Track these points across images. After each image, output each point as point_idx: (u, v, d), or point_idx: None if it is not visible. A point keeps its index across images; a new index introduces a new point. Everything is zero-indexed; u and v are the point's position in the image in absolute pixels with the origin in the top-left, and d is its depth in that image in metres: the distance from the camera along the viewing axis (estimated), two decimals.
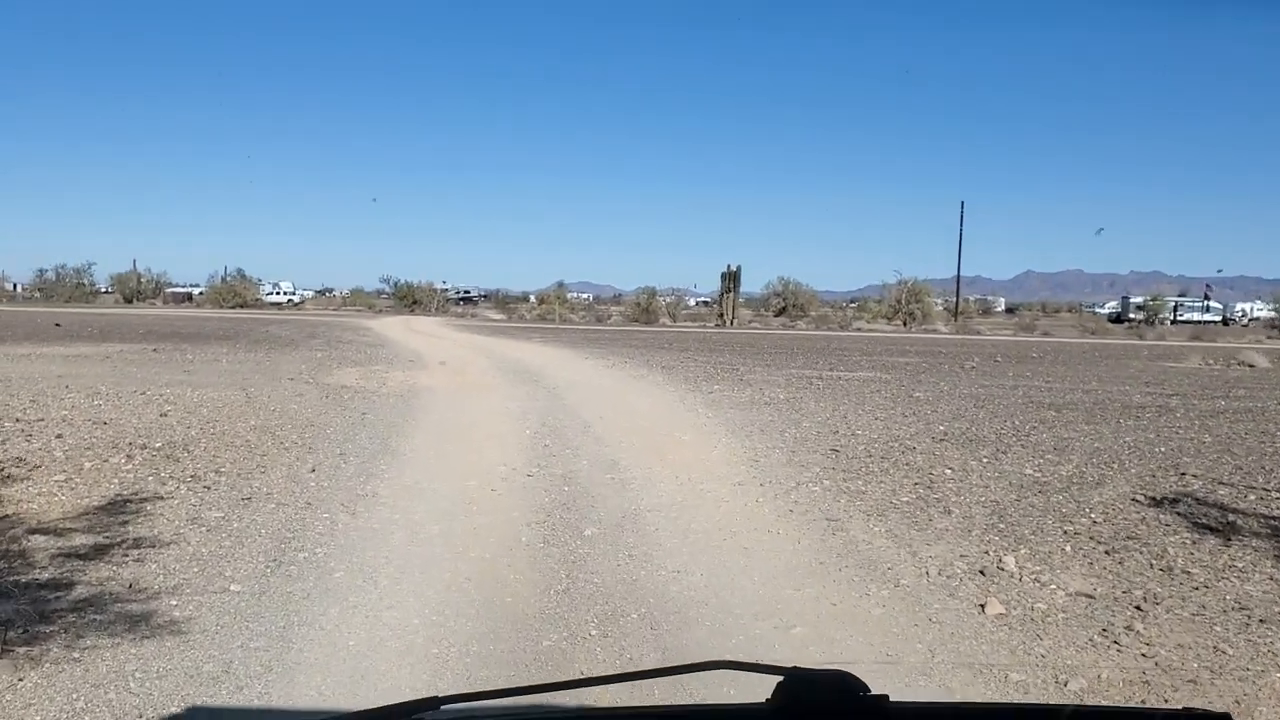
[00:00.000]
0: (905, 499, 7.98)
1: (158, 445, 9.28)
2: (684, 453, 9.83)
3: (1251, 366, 25.27)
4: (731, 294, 64.65)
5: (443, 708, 1.14)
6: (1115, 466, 9.28)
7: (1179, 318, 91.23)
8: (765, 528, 7.08)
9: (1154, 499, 7.94)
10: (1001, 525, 7.15)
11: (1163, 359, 28.70)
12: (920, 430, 11.41)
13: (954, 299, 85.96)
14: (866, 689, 1.21)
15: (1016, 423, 12.14)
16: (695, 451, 9.92)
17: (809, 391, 15.55)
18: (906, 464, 9.34)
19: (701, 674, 1.41)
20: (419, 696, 1.15)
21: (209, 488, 7.75)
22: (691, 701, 2.09)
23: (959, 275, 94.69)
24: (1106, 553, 6.49)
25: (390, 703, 1.19)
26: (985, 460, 9.52)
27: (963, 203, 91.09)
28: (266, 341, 27.30)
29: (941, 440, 10.67)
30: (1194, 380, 19.67)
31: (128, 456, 8.72)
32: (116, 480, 7.87)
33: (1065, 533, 6.96)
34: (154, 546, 6.19)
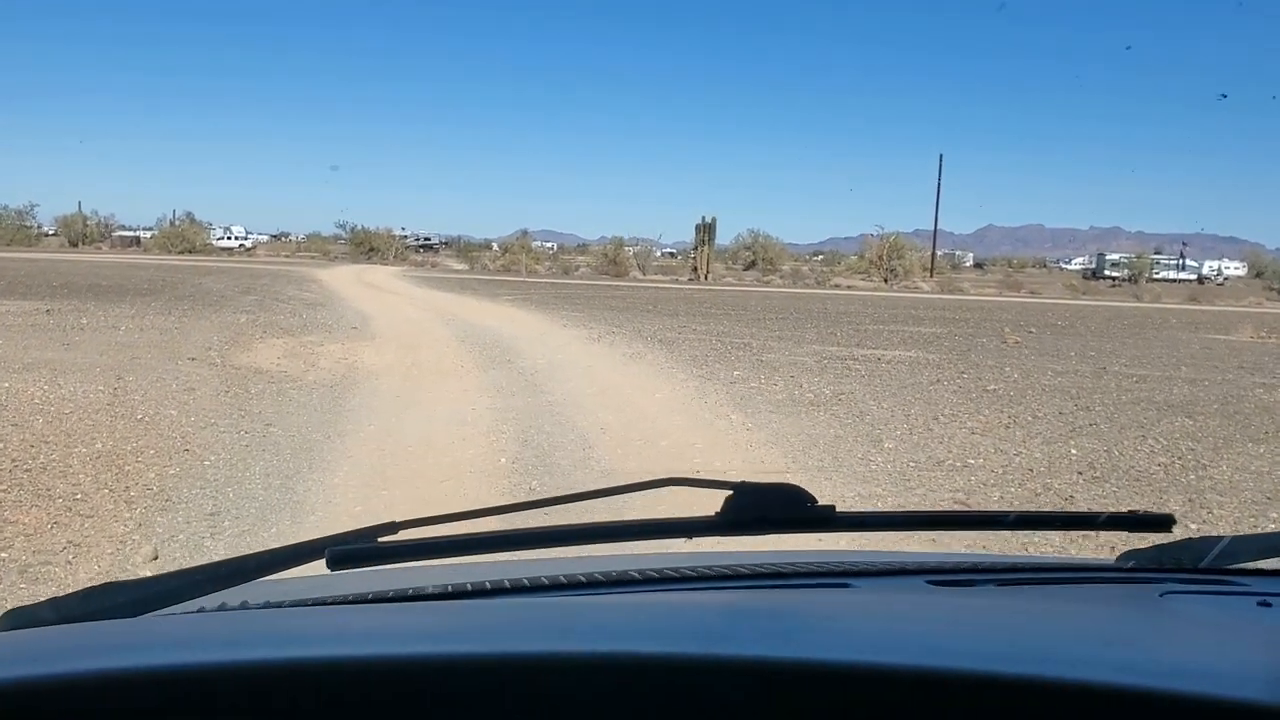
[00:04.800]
0: None
1: None
2: None
3: None
4: (707, 247, 61.35)
5: (400, 532, 1.17)
6: None
7: (1154, 275, 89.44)
8: None
9: None
10: None
11: (1203, 329, 25.79)
12: (1052, 456, 8.23)
13: (924, 253, 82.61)
14: (814, 500, 1.22)
15: (1161, 440, 9.01)
16: None
17: (854, 381, 12.32)
18: (1091, 533, 6.16)
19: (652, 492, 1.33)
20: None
21: None
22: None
23: (936, 229, 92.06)
24: None
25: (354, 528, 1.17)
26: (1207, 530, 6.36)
27: (941, 155, 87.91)
28: (191, 298, 23.64)
29: (1097, 479, 7.49)
30: None
31: None
32: None
33: None
34: None
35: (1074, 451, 8.45)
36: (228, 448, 7.51)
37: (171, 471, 6.75)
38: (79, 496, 6.08)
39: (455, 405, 9.86)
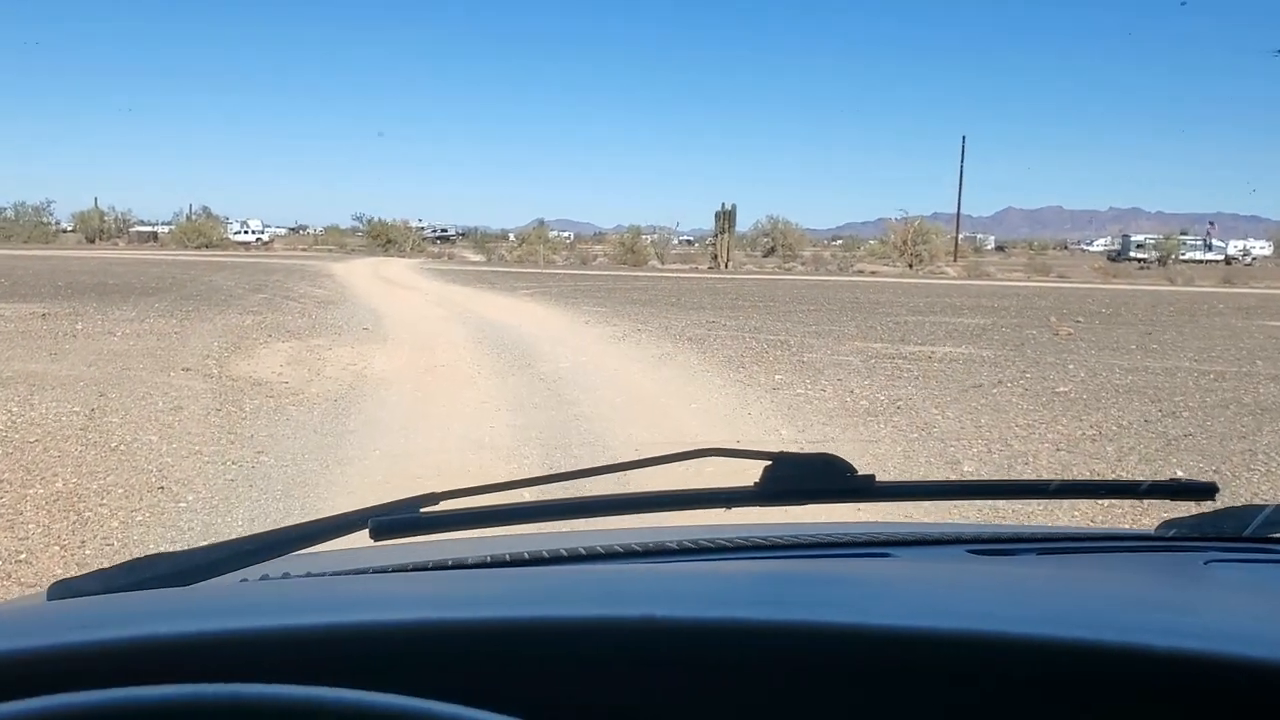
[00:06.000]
0: None
1: None
2: None
3: None
4: (727, 235, 60.23)
5: (441, 503, 1.17)
6: None
7: (1180, 256, 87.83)
8: None
9: None
10: None
11: (1255, 315, 24.53)
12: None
13: (946, 237, 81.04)
14: (854, 469, 1.21)
15: (1274, 456, 7.91)
16: None
17: (908, 384, 11.23)
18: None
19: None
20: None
21: None
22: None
23: (959, 212, 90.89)
24: None
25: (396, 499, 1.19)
26: None
27: (964, 137, 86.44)
28: (198, 297, 22.72)
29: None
30: None
31: None
32: None
33: None
34: None
35: (1180, 473, 7.36)
36: (209, 484, 6.49)
37: (139, 518, 5.74)
38: (22, 556, 5.08)
39: (471, 421, 8.84)
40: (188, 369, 11.24)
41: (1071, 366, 12.93)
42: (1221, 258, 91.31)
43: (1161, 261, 79.44)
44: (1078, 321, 20.69)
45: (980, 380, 11.59)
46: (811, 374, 11.92)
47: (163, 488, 6.35)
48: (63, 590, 1.04)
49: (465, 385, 10.88)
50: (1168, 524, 1.49)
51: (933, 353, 14.34)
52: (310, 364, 12.12)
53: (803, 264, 65.64)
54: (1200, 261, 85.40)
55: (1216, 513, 1.44)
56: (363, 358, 12.85)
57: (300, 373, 11.38)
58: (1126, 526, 5.44)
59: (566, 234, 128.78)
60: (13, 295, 21.85)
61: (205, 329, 15.63)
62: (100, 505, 5.94)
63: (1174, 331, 18.84)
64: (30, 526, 5.53)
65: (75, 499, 6.05)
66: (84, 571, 1.07)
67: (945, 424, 8.99)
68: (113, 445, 7.39)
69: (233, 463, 7.05)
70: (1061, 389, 11.00)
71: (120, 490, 6.26)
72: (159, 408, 8.87)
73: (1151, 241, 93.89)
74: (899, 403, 10.00)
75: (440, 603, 0.96)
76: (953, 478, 7.15)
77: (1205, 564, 1.28)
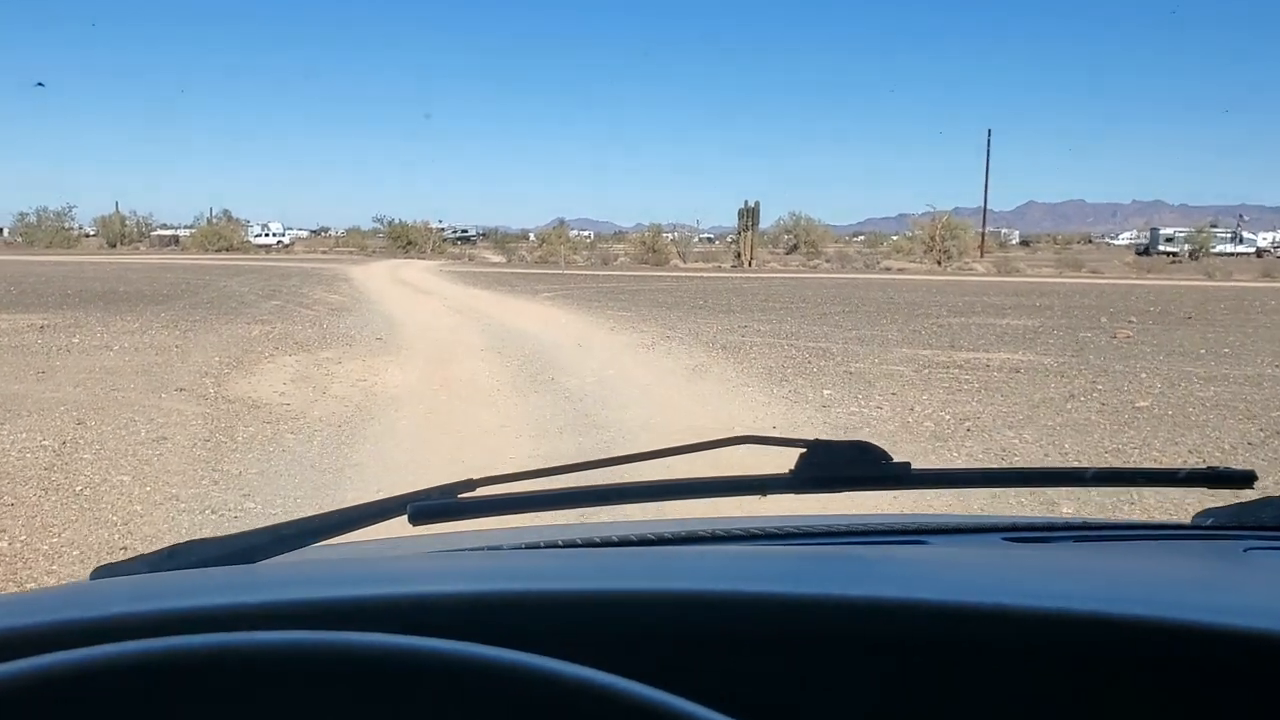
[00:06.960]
0: None
1: None
2: None
3: None
4: (750, 233, 59.20)
5: (479, 489, 1.17)
6: None
7: (1211, 250, 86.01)
8: None
9: None
10: None
11: None
12: None
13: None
14: (889, 457, 1.20)
15: None
16: None
17: (970, 398, 10.16)
18: None
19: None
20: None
21: None
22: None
23: (985, 207, 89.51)
24: None
25: (432, 485, 1.17)
26: None
27: (989, 131, 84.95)
28: (209, 305, 21.87)
29: None
30: None
31: None
32: None
33: None
34: None
35: None
36: (182, 540, 5.53)
37: None
38: None
39: (489, 450, 7.85)
40: (182, 389, 10.30)
41: (1144, 375, 11.81)
42: (1252, 250, 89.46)
43: (1193, 255, 77.72)
44: (1130, 321, 19.53)
45: (1049, 393, 10.50)
46: (863, 387, 10.86)
47: (125, 547, 5.37)
48: (107, 572, 1.05)
49: (483, 404, 9.91)
50: (1205, 513, 1.47)
51: (989, 360, 13.23)
52: (316, 381, 11.16)
53: (827, 261, 64.58)
54: (1231, 254, 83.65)
55: (1254, 502, 1.43)
56: (373, 372, 11.90)
57: (304, 392, 10.42)
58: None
59: (587, 233, 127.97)
60: (17, 305, 21.08)
61: (209, 341, 14.71)
62: (47, 574, 4.97)
63: (1238, 332, 17.63)
64: None
65: (19, 564, 5.08)
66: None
67: (1025, 450, 7.92)
68: (77, 489, 6.43)
69: (212, 510, 6.08)
70: (1141, 404, 9.90)
71: (75, 552, 5.29)
72: (140, 438, 7.91)
73: (1181, 235, 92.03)
74: (967, 422, 8.94)
75: (488, 578, 0.95)
76: (1048, 518, 6.14)
77: (1244, 551, 1.24)
